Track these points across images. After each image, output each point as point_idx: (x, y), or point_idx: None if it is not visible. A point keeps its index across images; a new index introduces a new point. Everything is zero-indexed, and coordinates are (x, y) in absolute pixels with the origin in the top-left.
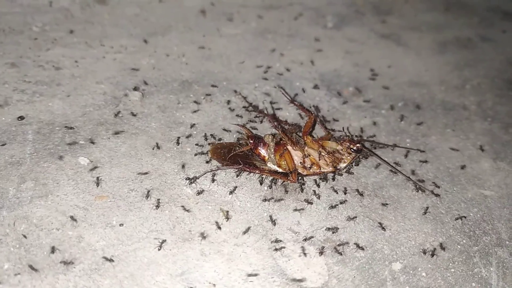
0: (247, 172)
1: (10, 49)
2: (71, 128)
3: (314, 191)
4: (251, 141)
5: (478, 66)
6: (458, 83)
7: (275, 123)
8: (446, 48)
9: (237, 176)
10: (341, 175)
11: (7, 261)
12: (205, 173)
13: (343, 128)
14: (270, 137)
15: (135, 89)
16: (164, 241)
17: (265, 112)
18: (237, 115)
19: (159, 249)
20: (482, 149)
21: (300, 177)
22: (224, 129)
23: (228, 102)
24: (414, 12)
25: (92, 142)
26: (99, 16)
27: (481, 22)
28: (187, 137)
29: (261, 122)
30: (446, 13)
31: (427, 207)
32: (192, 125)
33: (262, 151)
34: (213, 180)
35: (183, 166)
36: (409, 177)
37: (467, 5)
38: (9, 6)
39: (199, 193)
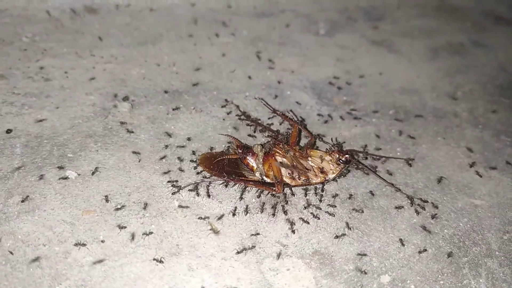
0: (233, 184)
1: None
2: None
3: (303, 199)
4: (239, 151)
5: (470, 72)
6: (449, 89)
7: (264, 131)
8: (438, 54)
9: (226, 186)
10: (336, 181)
11: None
12: (189, 185)
13: (331, 139)
14: (259, 147)
15: (125, 99)
16: (161, 262)
17: (257, 121)
18: (234, 128)
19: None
20: (471, 165)
21: (288, 188)
22: (211, 145)
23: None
24: (406, 17)
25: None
26: (89, 26)
27: (474, 27)
28: (177, 147)
29: (254, 131)
30: (438, 17)
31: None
32: (181, 136)
33: (251, 161)
34: (197, 194)
35: (171, 179)
36: (398, 188)
37: (459, 10)
38: None
39: (183, 207)
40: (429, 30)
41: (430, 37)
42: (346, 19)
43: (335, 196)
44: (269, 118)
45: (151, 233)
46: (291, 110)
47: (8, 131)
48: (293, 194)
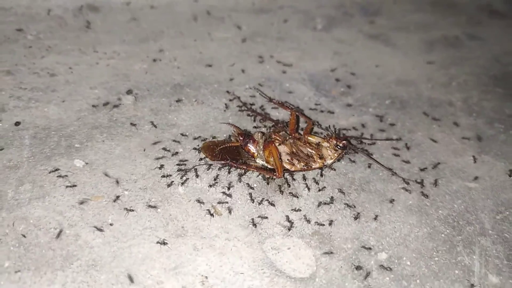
0: (235, 168)
1: (5, 57)
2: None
3: (306, 184)
4: (240, 138)
5: (465, 63)
6: (444, 80)
7: (264, 120)
8: (434, 47)
9: (229, 172)
10: (334, 169)
11: (8, 259)
12: (192, 168)
13: (329, 126)
14: (259, 134)
15: (128, 93)
16: (164, 242)
17: (256, 111)
18: (236, 116)
19: (160, 244)
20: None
21: (288, 173)
22: (212, 136)
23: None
24: (403, 12)
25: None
26: (92, 23)
27: (469, 21)
28: (181, 136)
29: (254, 120)
30: (434, 12)
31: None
32: (184, 127)
33: (252, 148)
34: (197, 176)
35: (175, 166)
36: (394, 172)
37: (455, 4)
38: (3, 16)
39: (187, 192)
40: (424, 25)
41: (426, 31)
42: (343, 15)
43: (333, 180)
44: (272, 108)
45: (157, 216)
46: (285, 101)
47: (17, 123)
48: (294, 179)
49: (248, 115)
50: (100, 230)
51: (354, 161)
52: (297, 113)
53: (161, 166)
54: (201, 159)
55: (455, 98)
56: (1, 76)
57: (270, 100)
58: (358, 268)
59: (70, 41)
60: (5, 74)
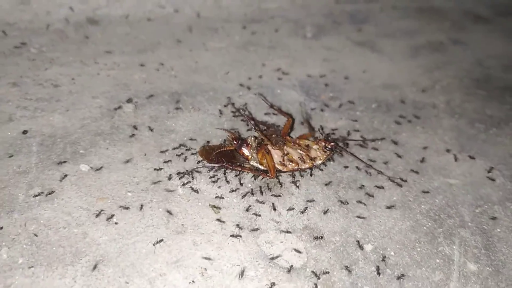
0: (230, 170)
1: (10, 69)
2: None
3: (295, 183)
4: (235, 142)
5: (448, 67)
6: (428, 84)
7: (255, 126)
8: (418, 52)
9: (224, 174)
10: (322, 169)
11: (21, 256)
12: (191, 170)
13: (318, 129)
14: (252, 138)
15: (129, 101)
16: (161, 240)
17: (248, 116)
18: (230, 122)
19: (156, 243)
20: (448, 150)
21: (279, 173)
22: (207, 142)
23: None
24: (389, 20)
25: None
26: (92, 36)
27: (453, 26)
28: (179, 142)
29: (247, 125)
30: (419, 19)
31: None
32: (182, 132)
33: (245, 151)
34: (192, 178)
35: (174, 169)
36: (380, 171)
37: (440, 11)
38: (7, 30)
39: (186, 192)
40: (410, 31)
41: (411, 37)
42: (332, 23)
43: (322, 179)
44: (265, 114)
45: (158, 215)
46: (280, 107)
47: (24, 132)
48: (279, 181)
49: (242, 120)
50: (107, 222)
51: (341, 162)
52: (293, 121)
53: (161, 169)
54: (198, 162)
55: (438, 100)
56: (8, 88)
57: (271, 106)
58: (346, 267)
59: (71, 53)
60: (11, 86)
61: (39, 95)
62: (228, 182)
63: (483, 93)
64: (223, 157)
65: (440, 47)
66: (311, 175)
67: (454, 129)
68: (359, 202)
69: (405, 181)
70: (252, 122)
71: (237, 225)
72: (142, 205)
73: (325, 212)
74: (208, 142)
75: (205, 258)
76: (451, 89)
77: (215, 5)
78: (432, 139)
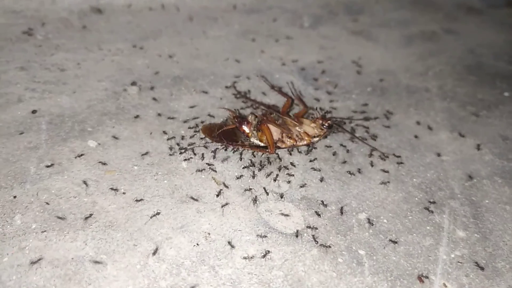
0: (233, 148)
1: (18, 55)
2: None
3: (293, 157)
4: (236, 120)
5: (441, 55)
6: (421, 70)
7: (256, 104)
8: (412, 41)
9: (225, 150)
10: (316, 148)
11: (34, 222)
12: (193, 146)
13: (316, 108)
14: (253, 116)
15: (133, 84)
16: (158, 213)
17: (249, 97)
18: (231, 103)
19: (154, 215)
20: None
21: (278, 149)
22: (209, 115)
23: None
24: (384, 11)
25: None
26: (96, 24)
27: (446, 17)
28: (182, 121)
29: (246, 102)
30: (413, 10)
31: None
32: (185, 113)
33: (246, 129)
34: (202, 157)
35: (178, 145)
36: (374, 148)
37: (434, 2)
38: (14, 18)
39: (190, 166)
40: (404, 21)
41: (405, 27)
42: (328, 13)
43: (319, 155)
44: (264, 95)
45: (164, 186)
46: (280, 88)
47: (34, 111)
48: (278, 156)
49: (243, 101)
50: (115, 192)
51: (337, 139)
52: (296, 99)
53: (165, 146)
54: (201, 138)
55: (431, 85)
56: (16, 71)
57: (272, 87)
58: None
59: (76, 40)
60: (19, 69)
61: (47, 78)
62: (229, 157)
63: (474, 78)
64: (225, 134)
65: (433, 37)
66: (308, 151)
67: (446, 111)
68: (354, 175)
69: (399, 156)
70: (253, 101)
71: (239, 195)
72: (148, 177)
73: (321, 180)
74: (209, 115)
75: (209, 224)
76: (444, 75)
77: None
78: (424, 119)
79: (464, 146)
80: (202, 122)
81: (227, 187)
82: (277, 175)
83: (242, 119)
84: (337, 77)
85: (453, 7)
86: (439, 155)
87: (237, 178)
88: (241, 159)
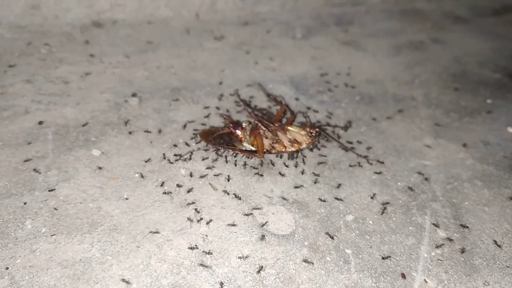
0: (224, 150)
1: (23, 68)
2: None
3: (284, 163)
4: (231, 125)
5: (427, 64)
6: (408, 79)
7: (251, 112)
8: (400, 51)
9: (220, 155)
10: (305, 156)
11: (44, 226)
12: (189, 152)
13: (305, 116)
14: (247, 122)
15: (133, 95)
16: (157, 232)
17: (246, 103)
18: (227, 111)
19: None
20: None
21: (268, 154)
22: (205, 124)
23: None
24: (373, 21)
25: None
26: (97, 37)
27: (434, 27)
28: (180, 129)
29: (240, 111)
30: (402, 20)
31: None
32: (183, 122)
33: (239, 133)
34: (190, 158)
35: (176, 152)
36: (360, 155)
37: (422, 12)
38: (19, 33)
39: (188, 172)
40: (393, 31)
41: (394, 37)
42: (320, 25)
43: (309, 161)
44: (265, 101)
45: (164, 191)
46: (275, 96)
47: (40, 123)
48: (272, 163)
49: (237, 106)
50: (118, 203)
51: (326, 146)
52: (285, 109)
53: (164, 154)
54: (197, 142)
55: (417, 93)
56: (22, 84)
57: (268, 95)
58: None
59: (79, 53)
60: (25, 82)
61: (51, 91)
62: (226, 162)
63: (459, 86)
64: (221, 139)
65: (420, 46)
66: (296, 157)
67: (430, 118)
68: (342, 180)
69: (382, 163)
70: (249, 109)
71: (234, 200)
72: (149, 184)
73: (313, 183)
74: (202, 124)
75: (206, 227)
76: (429, 83)
77: (211, 9)
78: (409, 126)
79: (446, 151)
80: (198, 129)
81: (224, 192)
82: (267, 179)
83: (237, 124)
84: (327, 86)
85: (441, 17)
86: (422, 160)
87: (233, 183)
88: (235, 165)
